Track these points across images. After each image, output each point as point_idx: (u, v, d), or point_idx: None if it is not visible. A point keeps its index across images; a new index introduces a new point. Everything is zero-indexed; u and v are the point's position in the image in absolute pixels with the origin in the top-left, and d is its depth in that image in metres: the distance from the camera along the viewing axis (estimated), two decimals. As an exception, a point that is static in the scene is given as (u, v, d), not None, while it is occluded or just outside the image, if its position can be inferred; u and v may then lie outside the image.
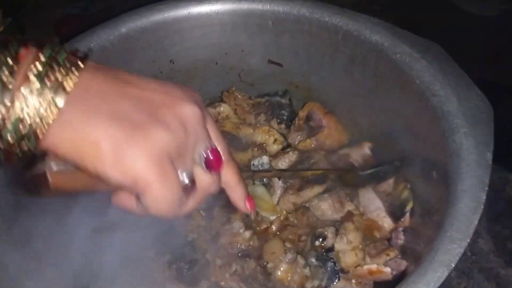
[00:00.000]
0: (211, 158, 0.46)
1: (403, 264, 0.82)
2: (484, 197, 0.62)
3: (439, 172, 0.75)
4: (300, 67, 1.05)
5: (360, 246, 0.85)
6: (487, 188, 0.63)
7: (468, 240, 0.58)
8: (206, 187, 0.47)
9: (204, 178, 0.47)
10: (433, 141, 0.77)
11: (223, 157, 0.48)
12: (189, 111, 0.44)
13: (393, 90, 0.88)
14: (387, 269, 0.81)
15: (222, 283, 0.85)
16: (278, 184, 0.94)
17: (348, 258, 0.83)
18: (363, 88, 0.96)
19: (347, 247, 0.84)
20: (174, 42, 1.02)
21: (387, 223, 0.90)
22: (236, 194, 0.53)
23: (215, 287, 0.85)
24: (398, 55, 0.84)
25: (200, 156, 0.45)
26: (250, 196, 0.55)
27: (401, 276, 0.81)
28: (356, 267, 0.83)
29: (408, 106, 0.85)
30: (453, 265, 0.56)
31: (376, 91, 0.93)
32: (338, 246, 0.84)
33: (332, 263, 0.82)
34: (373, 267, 0.82)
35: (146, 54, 1.00)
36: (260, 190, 0.95)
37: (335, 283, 0.81)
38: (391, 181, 0.94)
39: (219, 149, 0.48)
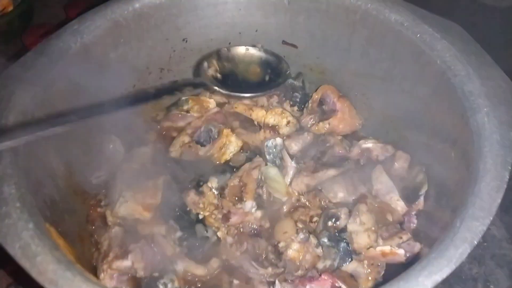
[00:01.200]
0: None
1: (417, 247, 0.81)
2: (508, 176, 0.60)
3: (458, 153, 0.73)
4: (315, 49, 1.04)
5: (373, 228, 0.84)
6: (510, 167, 0.61)
7: (491, 218, 0.57)
8: None
9: None
10: (453, 122, 0.76)
11: None
12: None
13: (411, 71, 0.86)
14: (401, 251, 0.80)
15: (233, 261, 0.84)
16: (291, 165, 0.93)
17: (360, 240, 0.82)
18: (379, 70, 0.95)
19: (360, 228, 0.83)
20: (187, 21, 1.01)
21: (400, 206, 0.89)
22: None
23: (225, 264, 0.84)
24: (419, 35, 0.82)
25: None
26: None
27: (415, 259, 0.80)
28: (368, 248, 0.82)
29: (427, 87, 0.83)
30: (476, 242, 0.55)
31: (393, 72, 0.91)
32: (351, 227, 0.83)
33: (345, 244, 0.81)
34: (387, 248, 0.81)
35: (159, 32, 0.99)
36: (273, 171, 0.94)
37: (347, 263, 0.80)
38: (405, 164, 0.93)
39: None
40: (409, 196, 0.89)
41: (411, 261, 0.78)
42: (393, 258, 0.81)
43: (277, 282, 0.77)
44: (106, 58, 0.91)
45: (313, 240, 0.82)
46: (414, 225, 0.88)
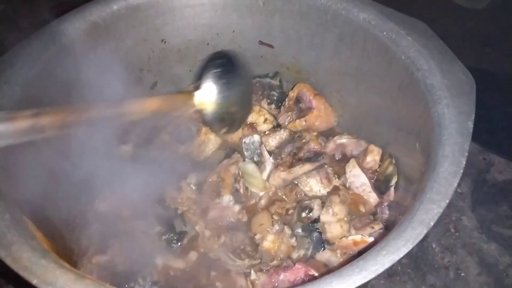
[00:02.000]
0: None
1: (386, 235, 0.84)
2: (464, 162, 0.64)
3: (422, 143, 0.77)
4: (290, 48, 1.07)
5: (345, 219, 0.87)
6: (466, 154, 0.65)
7: (447, 201, 0.60)
8: None
9: None
10: (417, 114, 0.80)
11: None
12: None
13: (379, 67, 0.90)
14: (371, 239, 0.83)
15: (211, 254, 0.86)
16: (269, 160, 0.96)
17: (333, 230, 0.85)
18: (351, 68, 0.98)
19: (332, 219, 0.86)
20: (165, 22, 1.04)
21: (372, 198, 0.92)
22: None
23: (203, 257, 0.86)
24: (385, 32, 0.86)
25: None
26: None
27: None
28: (341, 238, 0.85)
29: (394, 82, 0.87)
30: (432, 224, 0.58)
31: (363, 69, 0.95)
32: (324, 217, 0.86)
33: (318, 233, 0.84)
34: (358, 237, 0.84)
35: (138, 33, 1.01)
36: (250, 167, 0.97)
37: (320, 252, 0.83)
38: (377, 157, 0.96)
39: None
40: (380, 188, 0.93)
41: None
42: (364, 247, 0.84)
43: (252, 272, 0.80)
44: (85, 60, 0.93)
45: (287, 230, 0.85)
46: (386, 216, 0.91)
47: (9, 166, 0.72)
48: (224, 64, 0.74)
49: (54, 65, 0.84)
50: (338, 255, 0.85)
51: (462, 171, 0.63)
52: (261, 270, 0.81)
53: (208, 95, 0.71)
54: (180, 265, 0.86)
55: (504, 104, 1.24)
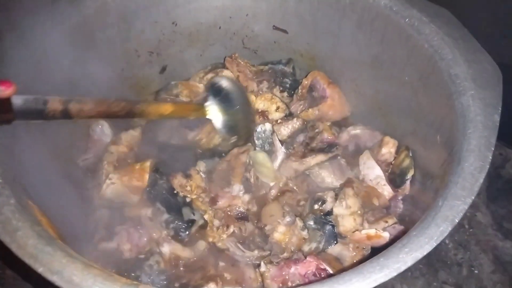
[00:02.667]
0: None
1: (401, 231, 0.82)
2: (490, 157, 0.61)
3: (443, 136, 0.74)
4: (305, 35, 1.03)
5: (359, 212, 0.84)
6: (493, 148, 0.62)
7: (473, 197, 0.57)
8: None
9: None
10: (439, 105, 0.76)
11: None
12: None
13: (399, 56, 0.86)
14: (386, 234, 0.80)
15: (219, 244, 0.84)
16: (281, 150, 0.93)
17: (346, 223, 0.83)
18: (368, 56, 0.95)
19: (345, 212, 0.83)
20: (177, 4, 1.00)
21: (387, 191, 0.90)
22: None
23: (212, 247, 0.84)
24: (407, 19, 0.82)
25: None
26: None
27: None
28: (354, 232, 0.82)
29: (415, 71, 0.83)
30: (457, 221, 0.55)
31: (382, 58, 0.91)
32: (337, 210, 0.83)
33: (331, 226, 0.81)
34: (371, 232, 0.81)
35: (148, 14, 0.98)
36: (261, 156, 0.94)
37: (332, 246, 0.80)
38: (393, 150, 0.93)
39: None
40: (395, 181, 0.90)
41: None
42: (378, 241, 0.81)
43: (262, 263, 0.78)
44: (94, 39, 0.90)
45: (299, 222, 0.82)
46: (400, 210, 0.89)
47: (16, 151, 0.69)
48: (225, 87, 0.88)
49: (63, 44, 0.81)
50: (351, 249, 0.82)
51: (488, 166, 0.60)
52: (271, 262, 0.79)
53: (215, 106, 0.84)
54: (188, 254, 0.83)
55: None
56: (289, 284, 0.77)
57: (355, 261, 0.82)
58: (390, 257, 0.51)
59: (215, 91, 0.86)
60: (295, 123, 1.00)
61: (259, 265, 0.80)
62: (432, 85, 0.79)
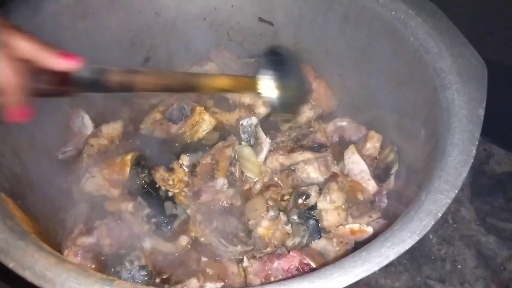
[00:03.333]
0: None
1: (385, 225, 0.81)
2: (475, 151, 0.60)
3: (428, 130, 0.73)
4: (292, 27, 1.02)
5: (343, 207, 0.83)
6: (477, 142, 0.61)
7: (456, 192, 0.56)
8: None
9: None
10: (424, 99, 0.76)
11: None
12: None
13: (385, 49, 0.86)
14: (369, 229, 0.79)
15: (202, 239, 0.83)
16: (266, 141, 0.92)
17: (330, 217, 0.82)
18: (354, 49, 0.94)
19: (330, 206, 0.82)
20: (160, -7, 0.98)
21: (371, 185, 0.89)
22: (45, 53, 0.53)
23: (194, 242, 0.82)
24: (393, 12, 0.81)
25: None
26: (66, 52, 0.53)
27: None
28: (338, 226, 0.82)
29: (400, 65, 0.83)
30: (440, 215, 0.55)
31: (368, 51, 0.90)
32: (321, 205, 0.83)
33: (314, 221, 0.81)
34: (355, 226, 0.80)
35: (131, 3, 0.96)
36: (246, 150, 0.93)
37: (316, 240, 0.79)
38: (377, 144, 0.92)
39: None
40: (380, 176, 0.89)
41: None
42: (361, 236, 0.81)
43: (245, 258, 0.77)
44: (74, 29, 0.88)
45: (282, 217, 0.81)
46: (385, 205, 0.88)
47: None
48: (281, 59, 0.75)
49: (40, 34, 0.78)
50: (335, 244, 0.82)
51: (472, 160, 0.60)
52: (254, 257, 0.78)
53: (270, 82, 0.71)
54: (170, 249, 0.82)
55: (509, 95, 1.20)
56: (272, 279, 0.76)
57: (338, 255, 0.81)
58: (372, 252, 0.50)
59: (271, 62, 0.73)
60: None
61: (242, 260, 0.78)
62: (417, 79, 0.78)
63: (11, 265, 0.47)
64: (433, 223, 0.54)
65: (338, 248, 0.82)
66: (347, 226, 0.81)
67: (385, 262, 0.49)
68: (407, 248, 0.51)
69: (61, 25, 0.85)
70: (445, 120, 0.67)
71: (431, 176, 0.60)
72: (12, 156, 0.75)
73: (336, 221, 0.82)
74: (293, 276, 0.69)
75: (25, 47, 0.52)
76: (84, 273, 0.48)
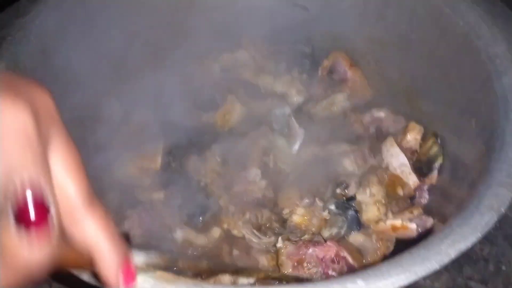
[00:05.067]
0: (26, 206, 0.27)
1: (429, 222, 0.77)
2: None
3: (480, 121, 0.68)
4: (327, 12, 0.98)
5: (383, 201, 0.79)
6: (540, 133, 0.56)
7: (519, 185, 0.52)
8: (11, 257, 0.27)
9: (7, 241, 0.27)
10: (475, 88, 0.71)
11: (75, 202, 0.32)
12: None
13: (430, 35, 0.81)
14: (413, 225, 0.75)
15: (235, 231, 0.80)
16: (300, 131, 0.88)
17: (369, 212, 0.78)
18: (395, 36, 0.89)
19: (369, 200, 0.78)
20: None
21: (412, 180, 0.84)
22: (103, 260, 0.34)
23: (226, 234, 0.80)
24: (441, -6, 0.76)
25: (8, 198, 0.27)
26: (130, 264, 0.37)
27: (426, 235, 0.76)
28: (378, 222, 0.78)
29: (447, 51, 0.78)
30: (503, 210, 0.50)
31: (410, 37, 0.86)
32: (360, 197, 0.79)
33: (354, 212, 0.77)
34: (397, 222, 0.76)
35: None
36: (280, 141, 0.90)
37: (355, 231, 0.76)
38: (418, 136, 0.88)
39: (62, 188, 0.31)
40: (422, 170, 0.85)
41: (423, 237, 0.74)
42: (403, 233, 0.77)
43: (280, 239, 0.73)
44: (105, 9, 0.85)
45: (318, 203, 0.78)
46: (426, 200, 0.83)
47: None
48: None
49: (74, 13, 0.76)
50: (374, 240, 0.78)
51: (535, 152, 0.55)
52: (289, 239, 0.74)
53: None
54: (202, 241, 0.79)
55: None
56: (305, 265, 0.72)
57: (378, 253, 0.77)
58: (431, 249, 0.46)
59: None
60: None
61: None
62: (467, 66, 0.73)
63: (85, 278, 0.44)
64: (496, 219, 0.50)
65: (378, 245, 0.77)
66: (388, 222, 0.77)
67: (446, 260, 0.45)
68: (469, 245, 0.47)
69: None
70: (501, 109, 0.62)
71: (489, 169, 0.56)
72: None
73: (375, 216, 0.78)
74: (327, 266, 0.67)
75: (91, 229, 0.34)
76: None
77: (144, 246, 0.76)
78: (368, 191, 0.79)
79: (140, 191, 0.82)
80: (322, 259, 0.72)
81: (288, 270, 0.71)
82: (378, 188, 0.80)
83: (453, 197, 0.75)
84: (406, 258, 0.46)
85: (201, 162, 0.84)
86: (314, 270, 0.71)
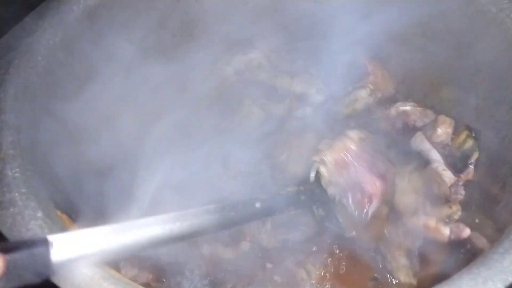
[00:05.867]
0: None
1: (465, 232, 0.71)
2: None
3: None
4: (344, 6, 0.92)
5: (422, 190, 0.75)
6: None
7: None
8: None
9: None
10: (513, 77, 0.66)
11: None
12: None
13: (458, 23, 0.76)
14: (446, 230, 0.71)
15: (265, 242, 0.76)
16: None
17: (407, 199, 0.74)
18: (419, 25, 0.84)
19: (407, 186, 0.74)
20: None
21: (447, 176, 0.80)
22: None
23: (257, 246, 0.76)
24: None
25: None
26: None
27: (459, 245, 0.71)
28: (412, 214, 0.73)
29: (478, 40, 0.73)
30: None
31: (435, 26, 0.80)
32: (398, 181, 0.74)
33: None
34: (431, 223, 0.72)
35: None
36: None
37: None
38: (449, 130, 0.83)
39: None
40: (456, 165, 0.80)
41: (454, 247, 0.70)
42: (434, 236, 0.72)
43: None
44: (112, 23, 0.81)
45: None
46: (462, 197, 0.79)
47: (35, 148, 0.62)
48: None
49: (78, 30, 0.72)
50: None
51: None
52: None
53: None
54: (230, 255, 0.76)
55: None
56: None
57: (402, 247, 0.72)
58: (493, 267, 0.42)
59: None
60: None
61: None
62: (502, 54, 0.68)
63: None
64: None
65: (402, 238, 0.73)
66: (422, 218, 0.72)
67: (511, 279, 0.41)
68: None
69: (99, 20, 0.79)
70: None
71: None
72: (58, 162, 0.70)
73: (412, 204, 0.74)
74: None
75: None
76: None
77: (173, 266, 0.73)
78: (407, 178, 0.75)
79: (162, 205, 0.79)
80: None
81: None
82: (416, 176, 0.76)
83: (492, 192, 0.70)
84: (465, 278, 0.42)
85: (224, 169, 0.81)
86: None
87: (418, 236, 0.75)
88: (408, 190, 0.74)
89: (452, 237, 0.72)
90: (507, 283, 0.41)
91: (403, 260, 0.72)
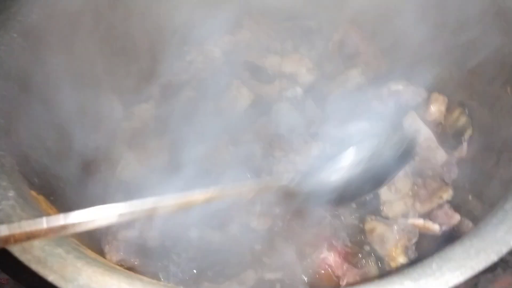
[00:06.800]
0: None
1: (455, 218, 0.70)
2: None
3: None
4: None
5: (410, 193, 0.74)
6: None
7: None
8: None
9: None
10: (508, 51, 0.64)
11: None
12: None
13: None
14: (435, 227, 0.70)
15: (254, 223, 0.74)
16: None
17: (396, 207, 0.73)
18: (412, 2, 0.81)
19: (395, 197, 0.73)
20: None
21: (439, 154, 0.78)
22: None
23: (245, 229, 0.74)
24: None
25: None
26: None
27: (452, 232, 0.70)
28: (402, 216, 0.72)
29: (472, 14, 0.71)
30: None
31: (428, 3, 0.78)
32: (385, 196, 0.73)
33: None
34: (419, 222, 0.71)
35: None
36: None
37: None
38: (443, 107, 0.81)
39: None
40: (449, 143, 0.78)
41: (448, 234, 0.69)
42: (426, 232, 0.71)
43: None
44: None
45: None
46: (455, 175, 0.78)
47: (14, 130, 0.59)
48: None
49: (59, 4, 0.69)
50: (395, 231, 0.72)
51: None
52: None
53: None
54: (219, 238, 0.74)
55: None
56: None
57: (399, 245, 0.71)
58: (486, 238, 0.40)
59: None
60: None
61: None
62: (498, 27, 0.66)
63: (50, 278, 0.39)
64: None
65: (398, 237, 0.72)
66: (410, 221, 0.72)
67: (505, 250, 0.39)
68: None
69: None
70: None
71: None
72: (40, 147, 0.67)
73: (403, 210, 0.73)
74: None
75: None
76: (136, 283, 0.40)
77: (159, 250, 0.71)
78: (393, 188, 0.73)
79: (148, 190, 0.76)
80: None
81: None
82: (404, 182, 0.74)
83: (485, 170, 0.69)
84: (457, 251, 0.40)
85: (214, 152, 0.78)
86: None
87: (412, 231, 0.74)
88: (396, 200, 0.73)
89: (443, 228, 0.71)
90: (501, 254, 0.39)
91: (401, 259, 0.71)
